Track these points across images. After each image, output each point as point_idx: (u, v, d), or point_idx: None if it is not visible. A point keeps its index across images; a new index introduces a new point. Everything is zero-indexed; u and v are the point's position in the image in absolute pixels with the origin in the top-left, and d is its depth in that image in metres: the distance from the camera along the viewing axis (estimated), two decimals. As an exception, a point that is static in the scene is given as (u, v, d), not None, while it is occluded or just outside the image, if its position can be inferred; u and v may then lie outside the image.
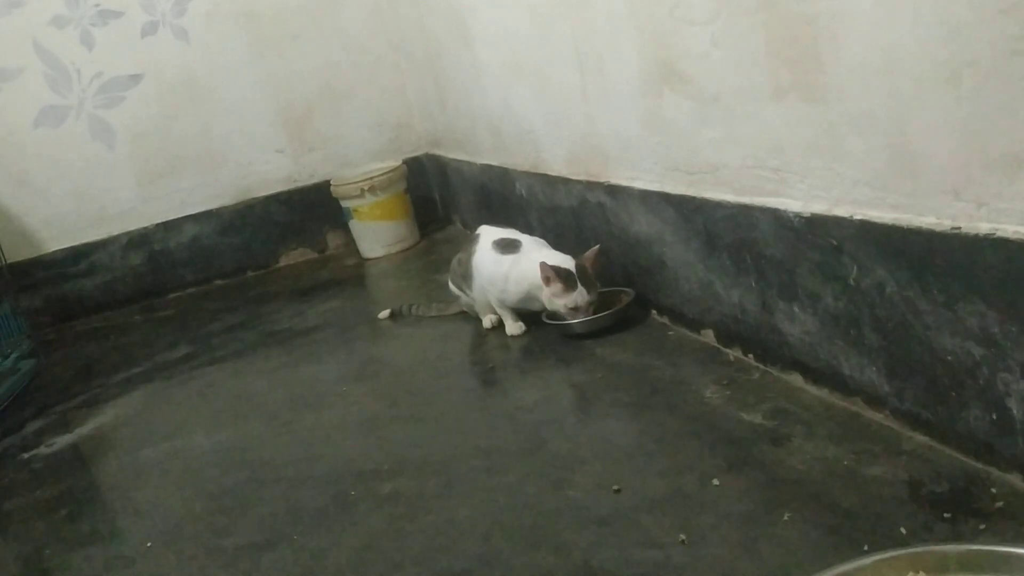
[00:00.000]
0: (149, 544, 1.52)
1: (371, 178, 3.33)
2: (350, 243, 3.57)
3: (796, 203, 1.36)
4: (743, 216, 1.49)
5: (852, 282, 1.27)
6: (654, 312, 1.95)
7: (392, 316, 2.49)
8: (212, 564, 1.40)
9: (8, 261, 3.05)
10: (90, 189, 3.45)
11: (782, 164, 1.38)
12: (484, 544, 1.26)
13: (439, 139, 3.50)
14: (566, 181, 2.21)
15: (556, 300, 1.94)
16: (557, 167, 2.27)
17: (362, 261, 3.42)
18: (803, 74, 1.26)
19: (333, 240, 3.69)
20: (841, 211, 1.27)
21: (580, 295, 1.92)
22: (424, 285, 2.83)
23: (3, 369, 2.69)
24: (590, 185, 2.07)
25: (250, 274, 3.62)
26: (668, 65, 1.60)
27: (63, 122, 3.38)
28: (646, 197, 1.81)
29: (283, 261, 3.67)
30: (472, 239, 2.20)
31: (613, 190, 1.96)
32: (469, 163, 3.10)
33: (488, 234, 2.16)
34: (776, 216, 1.41)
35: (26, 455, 2.14)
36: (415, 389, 1.97)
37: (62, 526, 1.72)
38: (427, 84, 3.42)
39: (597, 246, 1.99)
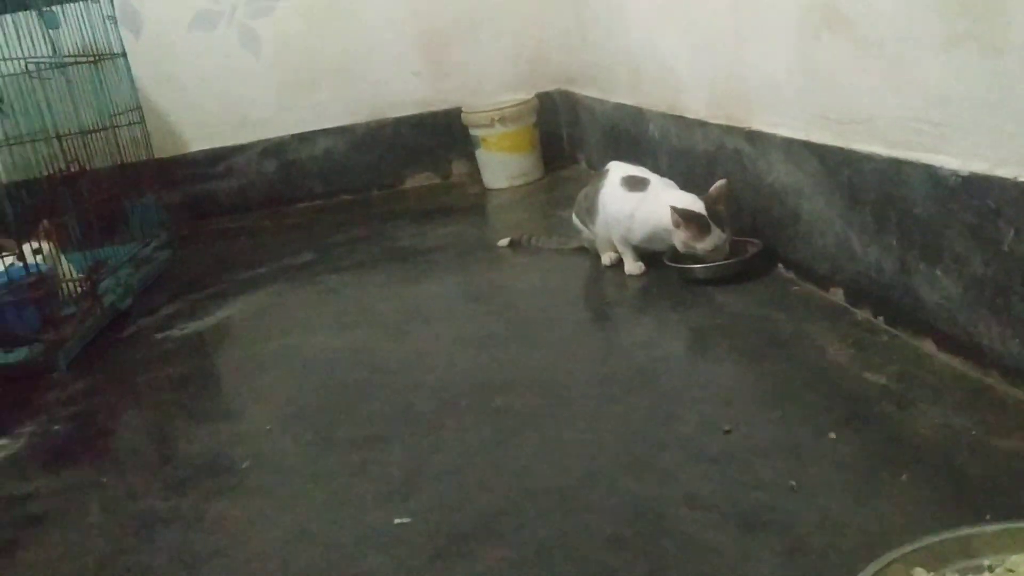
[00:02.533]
0: (268, 427, 1.60)
1: (502, 109, 3.33)
2: (474, 172, 3.59)
3: (954, 161, 1.29)
4: (893, 171, 1.43)
5: (1007, 248, 1.20)
6: (781, 266, 1.90)
7: (511, 244, 2.51)
8: (326, 451, 1.46)
9: (155, 156, 3.20)
10: (234, 95, 3.58)
11: (944, 118, 1.31)
12: (589, 464, 1.27)
13: (574, 75, 3.47)
14: (703, 124, 2.16)
15: (692, 244, 1.91)
16: (695, 109, 2.22)
17: (484, 191, 3.45)
18: (982, 21, 1.19)
19: (458, 168, 3.72)
20: (1004, 172, 1.20)
21: (716, 236, 1.88)
22: (545, 219, 2.83)
23: (143, 256, 2.84)
24: (729, 130, 2.02)
25: (375, 192, 3.71)
26: (831, 6, 1.53)
27: (215, 28, 3.50)
28: (789, 145, 1.75)
29: (408, 183, 3.73)
30: (601, 174, 2.18)
31: (753, 136, 1.90)
32: (602, 101, 3.06)
33: (617, 170, 2.14)
34: (930, 173, 1.34)
35: (159, 336, 2.27)
36: (529, 314, 1.99)
37: (189, 402, 1.83)
38: (568, 18, 3.38)
39: (723, 180, 1.93)
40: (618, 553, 1.06)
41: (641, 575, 1.01)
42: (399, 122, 3.66)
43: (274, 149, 3.65)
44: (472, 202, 3.32)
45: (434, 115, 3.65)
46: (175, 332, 2.28)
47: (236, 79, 3.56)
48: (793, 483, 1.13)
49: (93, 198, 2.47)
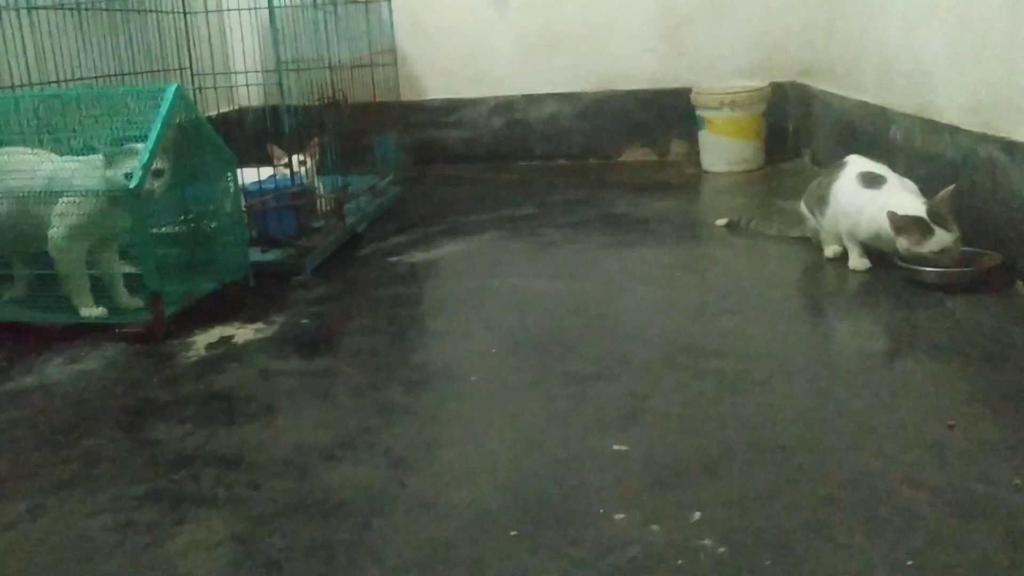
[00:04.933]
0: (494, 350, 1.74)
1: (734, 93, 3.34)
2: (692, 153, 3.62)
3: None
4: None
5: None
6: (1020, 283, 1.84)
7: (729, 225, 2.54)
8: (549, 378, 1.58)
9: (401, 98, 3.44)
10: (476, 50, 3.77)
11: None
12: (805, 432, 1.32)
13: (812, 69, 3.41)
14: (955, 131, 2.10)
15: (914, 248, 1.89)
16: (948, 115, 2.16)
17: (701, 172, 3.47)
18: None
19: (676, 147, 3.76)
20: None
21: (940, 238, 1.85)
22: (763, 207, 2.82)
23: (379, 188, 3.08)
24: (984, 138, 1.96)
25: (592, 161, 3.81)
26: None
27: (468, -17, 3.71)
28: (1054, 158, 1.69)
29: (624, 156, 3.81)
30: (838, 165, 2.17)
31: (1013, 147, 1.84)
32: (841, 97, 3.01)
33: (856, 164, 2.12)
34: None
35: (391, 260, 2.47)
36: (745, 291, 2.02)
37: (420, 319, 2.00)
38: (816, 9, 3.33)
39: (951, 186, 1.90)
40: (832, 511, 1.10)
41: (858, 532, 1.05)
42: (626, 95, 3.74)
43: (504, 106, 3.83)
44: (688, 181, 3.35)
45: (662, 92, 3.70)
46: (405, 259, 2.47)
47: (479, 36, 3.75)
48: (1017, 481, 1.13)
49: (351, 127, 2.70)
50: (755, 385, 1.50)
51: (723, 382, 1.51)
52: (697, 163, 3.55)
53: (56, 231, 1.88)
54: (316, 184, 2.51)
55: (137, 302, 1.96)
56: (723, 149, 3.41)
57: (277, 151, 2.48)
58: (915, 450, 1.24)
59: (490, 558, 1.06)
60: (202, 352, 1.81)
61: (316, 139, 2.52)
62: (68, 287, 1.95)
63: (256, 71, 2.82)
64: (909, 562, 0.99)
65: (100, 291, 1.97)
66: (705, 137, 3.46)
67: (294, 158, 2.38)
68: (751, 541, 1.05)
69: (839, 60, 3.08)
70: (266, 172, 2.46)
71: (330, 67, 2.62)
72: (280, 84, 2.33)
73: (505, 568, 1.04)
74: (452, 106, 3.84)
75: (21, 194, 1.90)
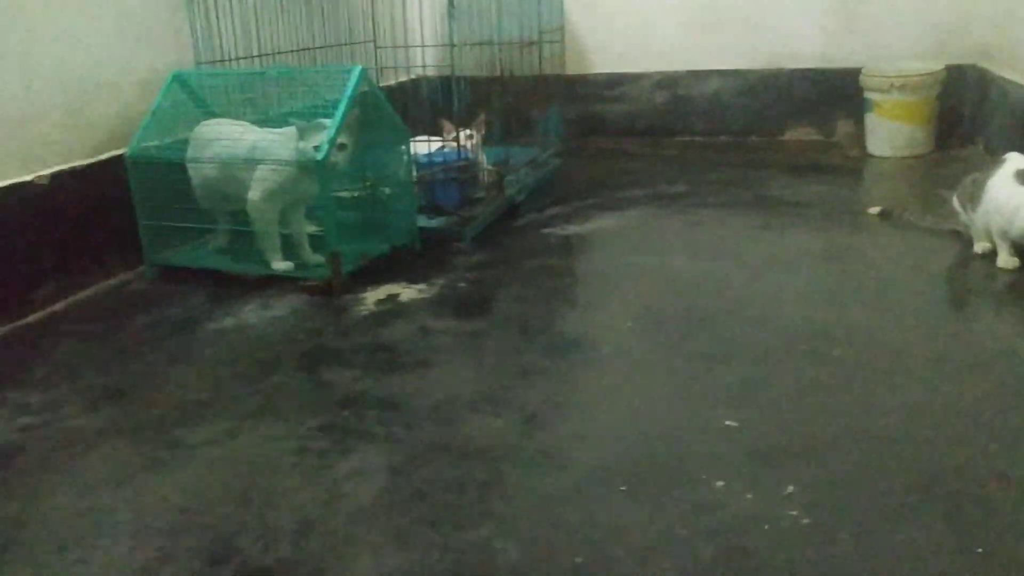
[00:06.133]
0: (629, 325, 1.88)
1: (906, 76, 3.26)
2: (858, 135, 3.57)
3: None
4: None
5: None
6: None
7: (882, 214, 2.54)
8: (673, 356, 1.71)
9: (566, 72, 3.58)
10: (642, 25, 3.85)
11: None
12: (909, 424, 1.39)
13: (993, 52, 3.28)
14: None
15: None
16: (1124, 112, 2.08)
17: (865, 156, 3.43)
18: None
19: (842, 128, 3.71)
20: None
21: (1094, 247, 1.82)
22: (924, 196, 2.78)
23: (539, 161, 3.24)
24: None
25: (753, 139, 3.82)
26: None
27: (638, -40, 3.78)
28: None
29: (787, 135, 3.80)
30: (996, 162, 2.14)
31: None
32: (1019, 85, 2.90)
33: (1015, 161, 2.09)
34: None
35: (544, 231, 2.64)
36: (883, 283, 2.06)
37: (565, 290, 2.17)
38: (1002, -9, 3.19)
39: None
40: (916, 500, 1.19)
41: (936, 520, 1.14)
42: (793, 74, 3.72)
43: (667, 82, 3.89)
44: (850, 165, 3.32)
45: (831, 72, 3.65)
46: (557, 231, 2.63)
47: (647, 11, 3.82)
48: (1116, 491, 1.18)
49: (515, 101, 2.88)
50: (872, 375, 1.57)
51: (841, 371, 1.59)
52: (862, 145, 3.50)
53: (254, 193, 2.17)
54: (480, 158, 2.71)
55: (319, 259, 2.23)
56: (890, 133, 3.35)
57: (447, 125, 2.69)
58: (1018, 450, 1.29)
59: (599, 507, 1.22)
60: (372, 307, 2.05)
61: (483, 115, 2.71)
62: (262, 243, 2.24)
63: (433, 45, 3.04)
64: (979, 549, 1.07)
65: (288, 248, 2.25)
66: (872, 120, 3.41)
67: (462, 133, 2.58)
68: (833, 516, 1.16)
69: (1020, 45, 2.95)
70: (436, 143, 2.68)
71: (498, 44, 2.80)
72: (452, 62, 2.52)
73: (611, 517, 1.20)
74: (616, 80, 3.95)
75: (227, 160, 2.20)
